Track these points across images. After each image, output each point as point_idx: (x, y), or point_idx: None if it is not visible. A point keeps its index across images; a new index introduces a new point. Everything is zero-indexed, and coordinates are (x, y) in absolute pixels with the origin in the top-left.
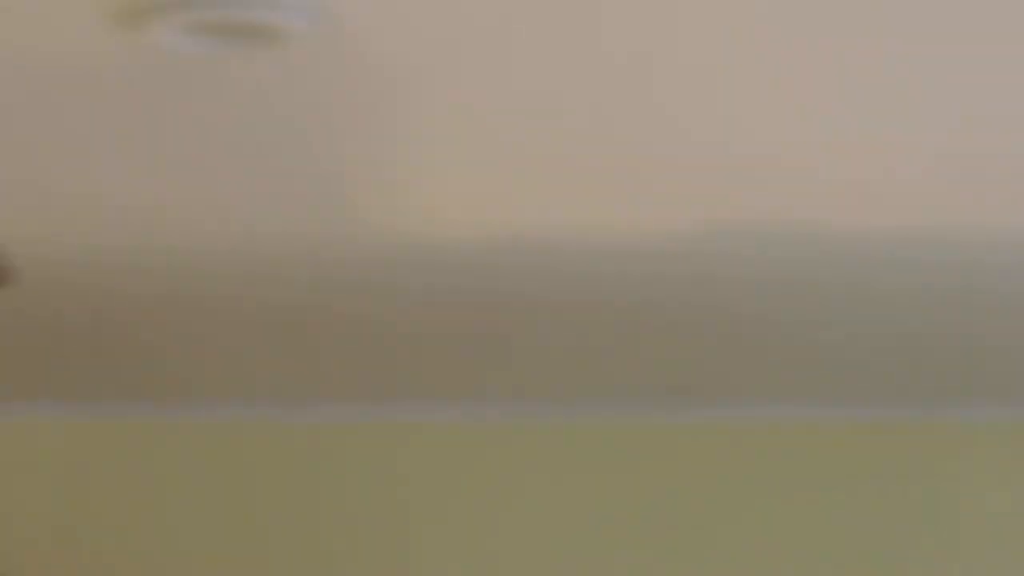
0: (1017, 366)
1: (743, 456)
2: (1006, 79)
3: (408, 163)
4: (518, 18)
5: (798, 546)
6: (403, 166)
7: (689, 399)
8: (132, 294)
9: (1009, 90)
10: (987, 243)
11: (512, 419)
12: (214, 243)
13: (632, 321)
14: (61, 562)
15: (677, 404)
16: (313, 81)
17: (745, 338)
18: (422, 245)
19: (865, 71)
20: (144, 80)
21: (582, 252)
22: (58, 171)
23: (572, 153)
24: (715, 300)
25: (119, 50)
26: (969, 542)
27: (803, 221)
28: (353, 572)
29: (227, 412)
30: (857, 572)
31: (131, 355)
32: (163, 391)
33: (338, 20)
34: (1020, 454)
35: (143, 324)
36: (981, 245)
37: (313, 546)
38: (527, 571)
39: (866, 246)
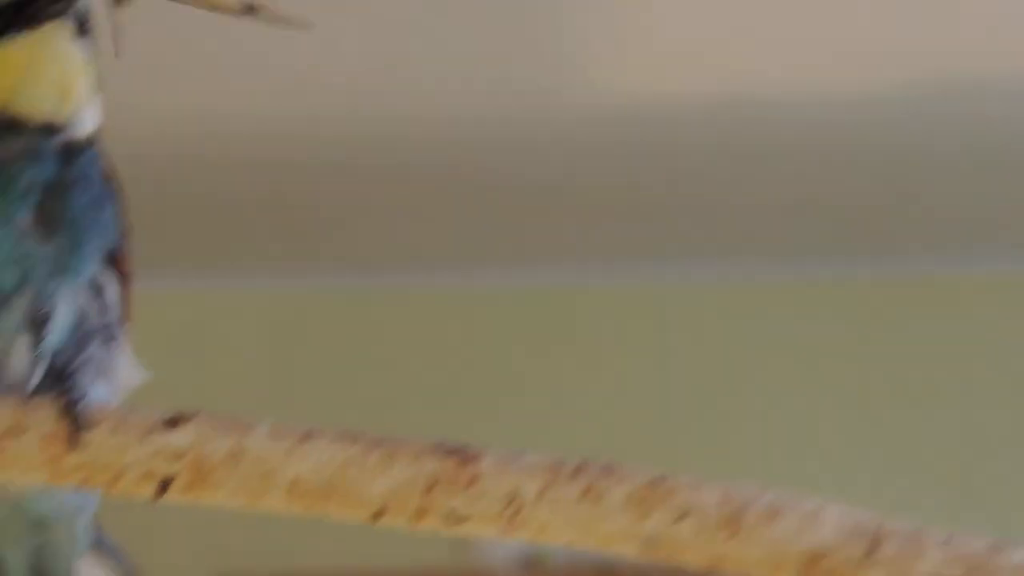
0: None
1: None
2: None
3: (632, 19)
4: None
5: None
6: (626, 22)
7: None
8: (321, 165)
9: None
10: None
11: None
12: (427, 107)
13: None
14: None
15: None
16: None
17: None
18: (646, 103)
19: None
20: None
21: (810, 107)
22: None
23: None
24: None
25: None
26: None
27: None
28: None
29: (435, 278)
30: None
31: (324, 225)
32: (365, 259)
33: None
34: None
35: (344, 193)
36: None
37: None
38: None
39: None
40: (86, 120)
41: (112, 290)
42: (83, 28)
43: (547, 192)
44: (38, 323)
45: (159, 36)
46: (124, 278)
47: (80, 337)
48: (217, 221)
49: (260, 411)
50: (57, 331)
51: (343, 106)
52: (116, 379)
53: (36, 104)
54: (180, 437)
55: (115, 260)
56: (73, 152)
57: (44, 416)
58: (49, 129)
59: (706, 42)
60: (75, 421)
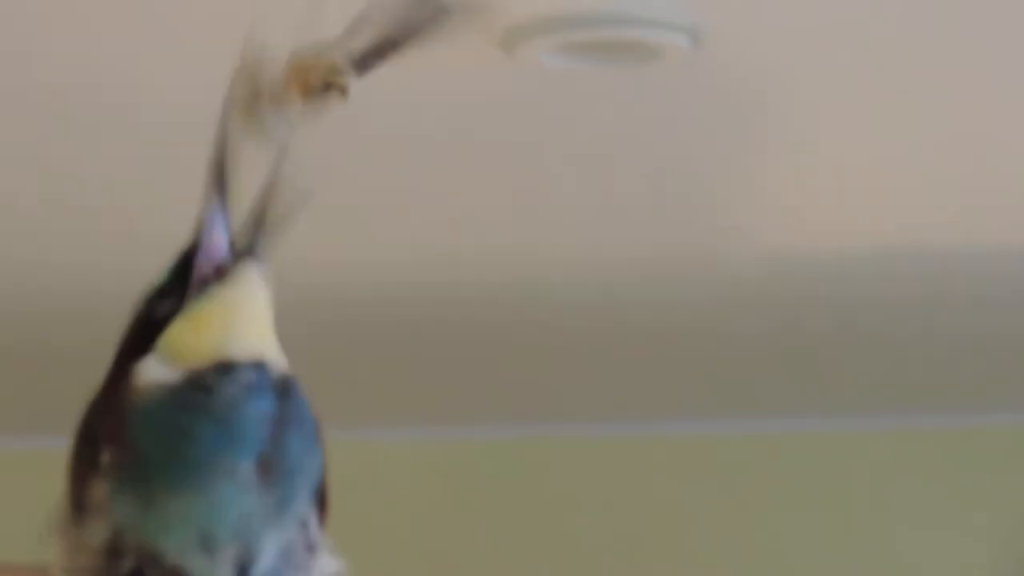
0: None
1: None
2: None
3: (779, 174)
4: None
5: None
6: (773, 177)
7: None
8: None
9: None
10: None
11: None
12: (558, 265)
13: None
14: None
15: None
16: (684, 95)
17: None
18: (790, 256)
19: None
20: (518, 96)
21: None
22: (431, 188)
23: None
24: None
25: (497, 70)
26: None
27: None
28: None
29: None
30: None
31: (495, 378)
32: (536, 411)
33: (715, 38)
34: None
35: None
36: None
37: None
38: None
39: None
40: (277, 362)
41: (315, 520)
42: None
43: (715, 343)
44: (244, 567)
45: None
46: (325, 506)
47: (281, 570)
48: (388, 374)
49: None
50: (261, 573)
51: (506, 266)
52: None
53: (243, 348)
54: None
55: (320, 493)
56: (287, 386)
57: None
58: (260, 364)
59: (865, 190)
60: None
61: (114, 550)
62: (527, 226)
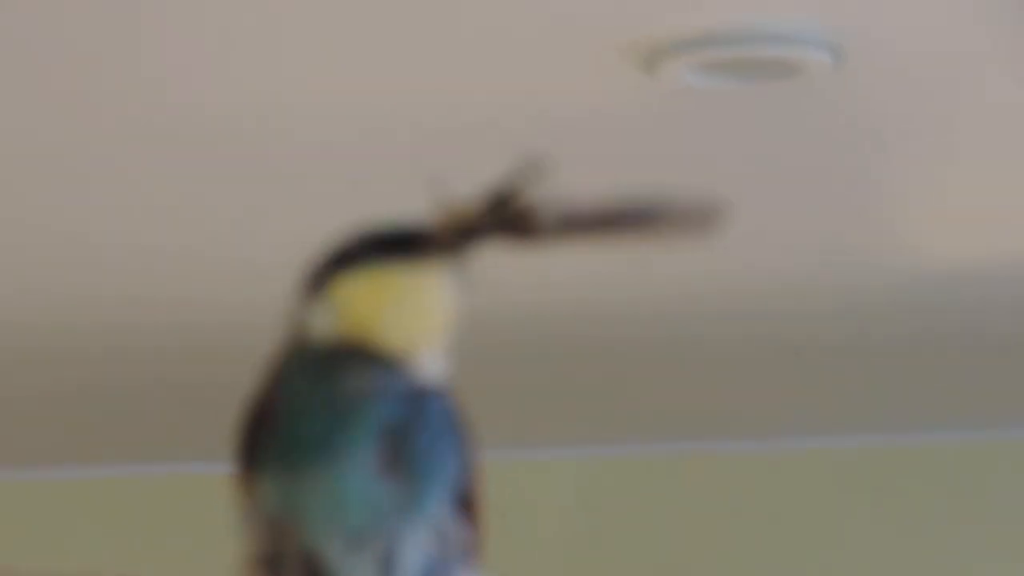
0: None
1: None
2: None
3: (919, 188)
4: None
5: None
6: (913, 191)
7: None
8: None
9: None
10: None
11: None
12: (704, 283)
13: None
14: None
15: None
16: (825, 110)
17: None
18: (932, 269)
19: None
20: (661, 115)
21: None
22: None
23: None
24: None
25: (639, 89)
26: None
27: None
28: None
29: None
30: None
31: (634, 394)
32: (671, 425)
33: (856, 54)
34: None
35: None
36: None
37: None
38: None
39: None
40: (435, 363)
41: (460, 534)
42: (459, 267)
43: (862, 355)
44: (386, 568)
45: None
46: (475, 521)
47: None
48: (526, 397)
49: None
50: None
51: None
52: None
53: (394, 338)
54: None
55: (465, 503)
56: (421, 395)
57: None
58: (399, 366)
59: (1007, 206)
60: None
61: (274, 536)
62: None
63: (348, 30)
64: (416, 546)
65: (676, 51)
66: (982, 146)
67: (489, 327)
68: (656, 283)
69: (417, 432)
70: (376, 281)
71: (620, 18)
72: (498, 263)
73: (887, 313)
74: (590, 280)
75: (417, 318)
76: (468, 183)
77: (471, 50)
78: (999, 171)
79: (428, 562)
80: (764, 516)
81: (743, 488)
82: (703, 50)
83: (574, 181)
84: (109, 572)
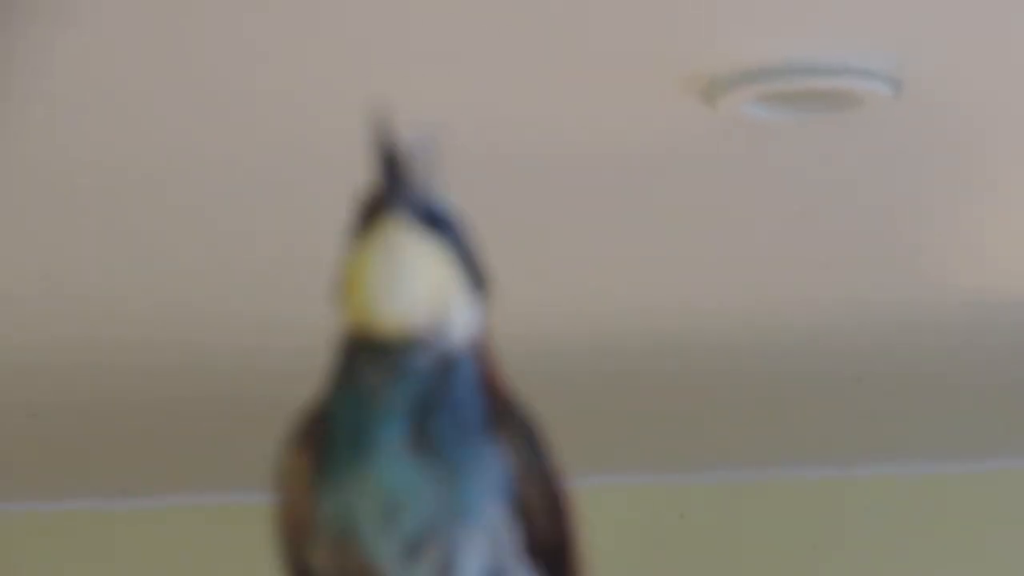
0: None
1: None
2: None
3: (979, 218)
4: None
5: None
6: (973, 221)
7: None
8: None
9: None
10: None
11: None
12: (763, 311)
13: None
14: None
15: None
16: (885, 141)
17: None
18: (994, 302)
19: None
20: (721, 147)
21: None
22: (631, 242)
23: None
24: None
25: (700, 121)
26: None
27: None
28: None
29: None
30: None
31: (686, 423)
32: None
33: (915, 85)
34: None
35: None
36: None
37: None
38: None
39: None
40: (456, 327)
41: (513, 537)
42: (435, 220)
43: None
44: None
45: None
46: (536, 525)
47: None
48: (600, 421)
49: None
50: None
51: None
52: None
53: (390, 318)
54: None
55: (522, 502)
56: (447, 366)
57: None
58: (413, 345)
59: None
60: None
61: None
62: (731, 274)
63: (415, 60)
64: (473, 552)
65: (736, 83)
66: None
67: (549, 356)
68: (713, 313)
69: (439, 413)
70: (355, 256)
71: (681, 51)
72: (553, 298)
73: (943, 343)
74: (634, 309)
75: (402, 289)
76: (530, 211)
77: (536, 82)
78: None
79: (486, 569)
80: (809, 543)
81: (793, 516)
82: (763, 82)
83: (634, 207)
84: None
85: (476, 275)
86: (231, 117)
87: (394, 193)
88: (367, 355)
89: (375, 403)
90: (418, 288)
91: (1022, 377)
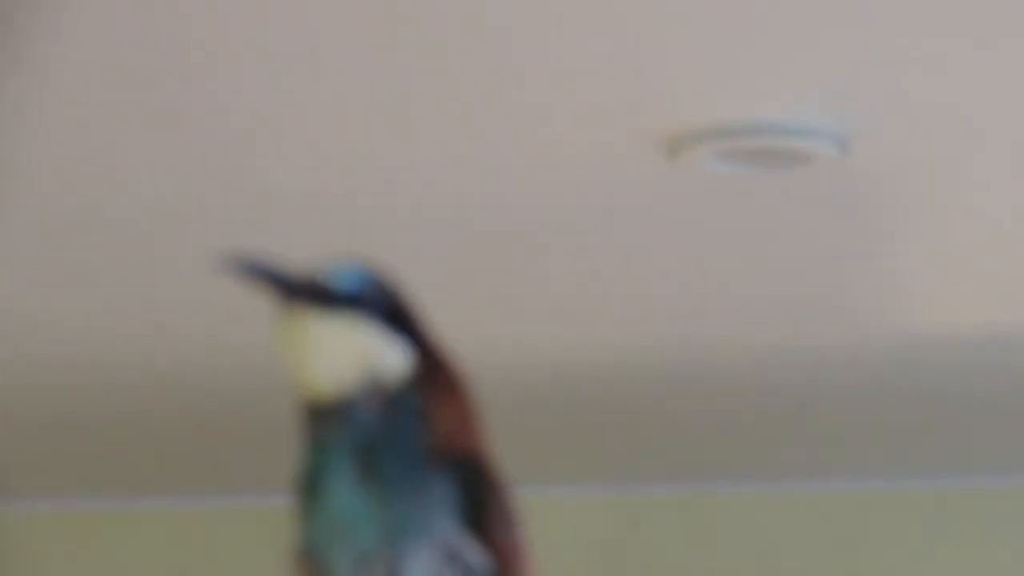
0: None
1: None
2: None
3: (913, 266)
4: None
5: None
6: (907, 268)
7: None
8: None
9: None
10: None
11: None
12: (735, 348)
13: None
14: None
15: None
16: (834, 197)
17: None
18: (925, 341)
19: None
20: (680, 198)
21: None
22: (619, 275)
23: None
24: None
25: (661, 174)
26: None
27: None
28: None
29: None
30: None
31: (660, 438)
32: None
33: (863, 146)
34: None
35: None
36: None
37: None
38: None
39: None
40: (387, 374)
41: (476, 558)
42: (335, 297)
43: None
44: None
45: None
46: (494, 545)
47: None
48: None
49: None
50: None
51: (673, 335)
52: None
53: (320, 388)
54: None
55: (478, 524)
56: (388, 406)
57: None
58: (347, 401)
59: (1007, 282)
60: None
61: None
62: (683, 314)
63: (359, 113)
64: (418, 567)
65: (696, 140)
66: (974, 229)
67: (525, 384)
68: (664, 350)
69: (383, 448)
70: (281, 344)
71: (645, 108)
72: (519, 333)
73: (878, 370)
74: (601, 346)
75: (325, 357)
76: (491, 258)
77: (502, 134)
78: (989, 251)
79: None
80: (785, 557)
81: (765, 530)
82: (721, 140)
83: (596, 256)
84: None
85: (400, 319)
86: (207, 161)
87: (287, 293)
88: (316, 415)
89: (328, 449)
90: (334, 359)
91: (954, 408)
